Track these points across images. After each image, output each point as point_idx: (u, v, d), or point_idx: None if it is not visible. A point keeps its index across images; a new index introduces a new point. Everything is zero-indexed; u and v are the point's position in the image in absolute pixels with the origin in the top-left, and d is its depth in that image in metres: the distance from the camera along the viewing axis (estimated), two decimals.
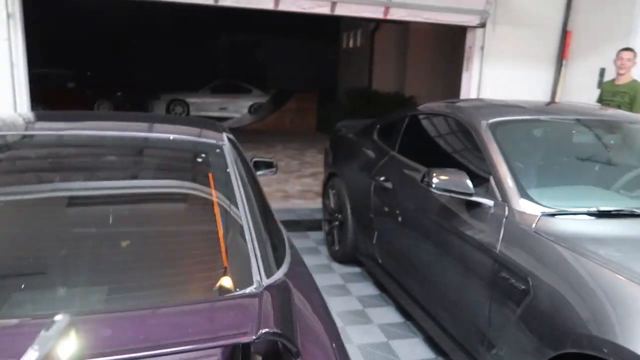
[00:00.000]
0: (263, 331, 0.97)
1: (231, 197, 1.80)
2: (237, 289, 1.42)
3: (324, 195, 4.67)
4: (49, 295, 1.40)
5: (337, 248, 4.26)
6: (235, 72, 16.59)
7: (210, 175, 1.98)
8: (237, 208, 1.74)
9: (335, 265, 4.23)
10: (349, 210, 4.02)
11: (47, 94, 12.55)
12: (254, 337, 0.96)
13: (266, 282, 1.48)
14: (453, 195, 2.52)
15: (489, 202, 2.47)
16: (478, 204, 2.51)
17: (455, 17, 5.84)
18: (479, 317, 2.37)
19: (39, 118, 2.52)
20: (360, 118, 5.17)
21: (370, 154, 3.93)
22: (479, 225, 2.47)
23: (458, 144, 3.15)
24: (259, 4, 5.16)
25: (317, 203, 5.38)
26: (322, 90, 14.10)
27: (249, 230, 1.64)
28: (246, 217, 1.70)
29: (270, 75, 17.09)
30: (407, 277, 3.16)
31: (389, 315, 3.41)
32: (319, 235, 4.83)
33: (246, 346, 0.99)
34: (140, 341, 0.96)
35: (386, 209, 3.44)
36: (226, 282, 1.46)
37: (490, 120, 2.84)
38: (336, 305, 3.51)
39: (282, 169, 8.43)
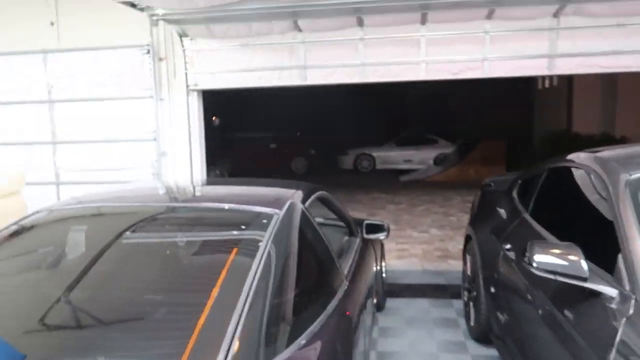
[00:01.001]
0: None
1: (244, 275, 1.65)
2: None
3: (464, 259, 4.12)
4: None
5: (472, 323, 3.66)
6: (423, 124, 16.45)
7: (234, 249, 1.87)
8: (241, 289, 1.58)
9: (471, 344, 3.61)
10: (481, 281, 3.43)
11: (253, 153, 14.48)
12: None
13: None
14: (560, 279, 1.90)
15: (610, 292, 1.79)
16: (598, 293, 1.85)
17: None
18: None
19: (141, 191, 2.79)
20: None
21: (504, 215, 3.33)
22: (596, 323, 1.80)
23: (594, 207, 2.42)
24: (407, 76, 4.91)
25: None
26: (514, 137, 12.92)
27: (238, 320, 1.46)
28: (244, 302, 1.52)
29: (458, 125, 16.43)
30: None
31: None
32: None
33: None
34: None
35: (510, 286, 2.82)
36: None
37: (634, 176, 2.12)
38: None
39: (452, 224, 7.85)
